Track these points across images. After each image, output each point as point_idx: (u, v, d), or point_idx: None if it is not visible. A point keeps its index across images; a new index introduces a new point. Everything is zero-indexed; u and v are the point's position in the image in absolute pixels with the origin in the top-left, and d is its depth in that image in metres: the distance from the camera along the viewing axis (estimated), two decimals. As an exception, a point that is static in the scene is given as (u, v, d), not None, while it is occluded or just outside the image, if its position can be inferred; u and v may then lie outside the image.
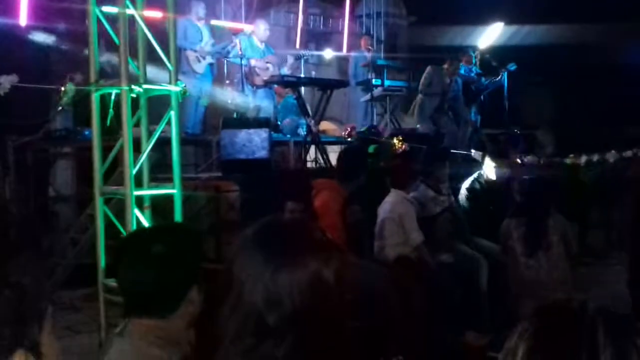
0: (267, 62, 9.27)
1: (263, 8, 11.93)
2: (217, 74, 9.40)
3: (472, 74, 10.59)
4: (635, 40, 10.12)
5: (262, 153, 7.03)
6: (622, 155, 7.89)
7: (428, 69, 9.70)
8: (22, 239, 1.33)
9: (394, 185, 5.66)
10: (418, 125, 9.65)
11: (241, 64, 8.75)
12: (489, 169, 6.57)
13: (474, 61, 10.67)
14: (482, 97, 10.54)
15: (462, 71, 10.37)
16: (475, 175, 6.64)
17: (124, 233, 4.73)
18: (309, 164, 8.54)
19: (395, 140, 7.81)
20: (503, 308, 5.45)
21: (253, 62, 9.10)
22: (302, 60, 10.18)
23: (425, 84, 9.65)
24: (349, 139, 8.86)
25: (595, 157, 7.94)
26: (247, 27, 9.90)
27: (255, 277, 1.44)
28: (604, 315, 1.09)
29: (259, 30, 9.41)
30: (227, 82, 9.23)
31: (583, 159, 7.94)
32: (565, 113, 11.37)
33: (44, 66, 8.39)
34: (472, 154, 7.45)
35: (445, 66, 9.69)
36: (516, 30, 11.33)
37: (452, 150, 7.39)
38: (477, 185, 6.58)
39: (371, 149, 8.11)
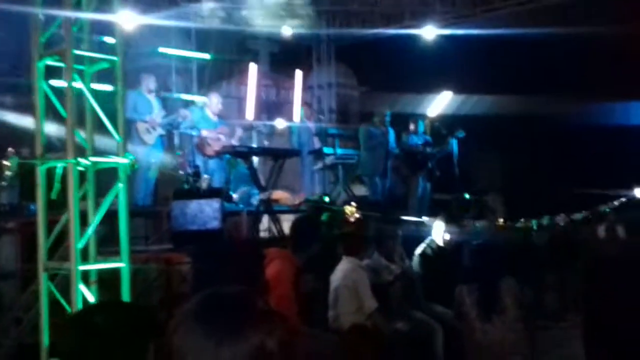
0: (218, 133, 9.29)
1: (215, 80, 12.04)
2: (168, 145, 9.37)
3: (419, 142, 10.78)
4: (576, 108, 10.51)
5: (214, 223, 6.95)
6: (571, 218, 8.05)
7: (361, 127, 10.43)
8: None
9: (347, 253, 5.65)
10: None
11: (192, 135, 8.75)
12: (439, 235, 6.62)
13: (421, 129, 10.87)
14: (429, 164, 10.70)
15: (409, 140, 10.60)
16: (427, 240, 6.67)
17: (69, 310, 4.60)
18: (262, 234, 8.48)
19: (347, 208, 7.83)
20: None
21: (205, 133, 9.11)
22: (254, 131, 10.22)
23: (365, 139, 10.15)
24: (302, 208, 8.86)
25: (546, 221, 8.07)
26: (199, 99, 9.95)
27: (197, 352, 1.41)
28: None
29: (211, 103, 9.47)
30: (179, 153, 9.18)
31: (533, 222, 8.06)
32: (514, 178, 11.61)
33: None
34: (425, 220, 7.50)
35: (375, 119, 10.33)
36: (465, 99, 11.63)
37: (404, 217, 7.45)
38: (429, 251, 6.61)
39: (324, 217, 8.11)
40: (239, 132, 9.58)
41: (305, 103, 12.31)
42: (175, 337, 1.45)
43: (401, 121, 10.97)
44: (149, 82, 9.11)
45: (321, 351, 4.87)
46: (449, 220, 6.74)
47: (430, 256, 6.58)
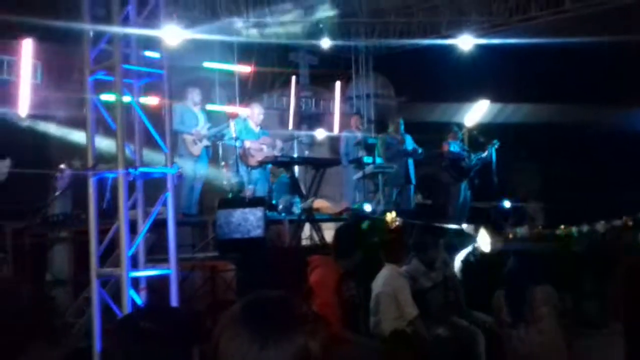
0: (261, 144, 9.47)
1: (257, 92, 12.26)
2: (213, 156, 9.58)
3: (461, 152, 10.84)
4: (614, 115, 10.45)
5: (258, 232, 7.08)
6: (611, 225, 8.00)
7: (378, 138, 10.89)
8: (34, 326, 1.35)
9: (387, 260, 5.72)
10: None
11: (235, 146, 8.93)
12: (484, 242, 6.64)
13: (460, 137, 10.94)
14: (471, 173, 10.76)
15: (451, 148, 10.66)
16: (470, 248, 6.71)
17: (120, 315, 4.74)
18: (303, 242, 8.61)
19: (388, 216, 7.91)
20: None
21: (248, 144, 9.28)
22: (295, 141, 10.38)
23: (383, 149, 10.53)
24: (343, 216, 8.96)
25: (585, 228, 8.04)
26: (242, 111, 10.16)
27: (242, 355, 1.43)
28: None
29: (253, 114, 9.65)
30: (223, 163, 9.39)
31: (573, 229, 8.04)
32: (553, 185, 11.54)
33: (42, 152, 8.56)
34: (464, 228, 7.53)
35: (390, 129, 10.76)
36: (502, 108, 11.62)
37: (444, 225, 7.48)
38: (472, 258, 6.63)
39: (365, 225, 8.20)
40: (279, 143, 9.74)
41: (357, 113, 12.46)
42: (220, 341, 1.49)
43: (437, 130, 11.06)
44: (194, 95, 9.33)
45: (362, 357, 4.95)
46: (495, 228, 6.74)
47: (472, 263, 6.60)
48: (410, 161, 10.73)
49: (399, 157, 10.55)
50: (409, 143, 10.79)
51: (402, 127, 10.83)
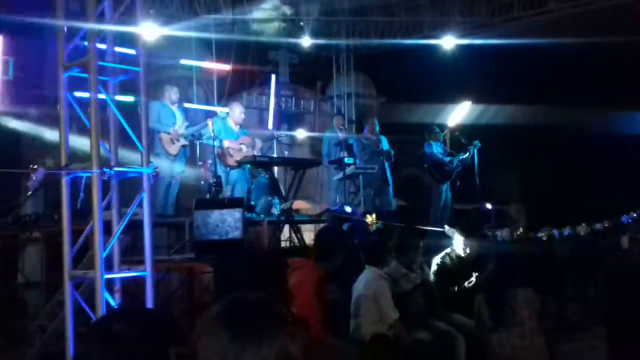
0: (240, 144, 9.34)
1: (235, 91, 12.13)
2: (190, 156, 9.44)
3: (443, 153, 10.81)
4: (596, 118, 10.49)
5: (236, 233, 7.00)
6: (592, 228, 7.99)
7: (353, 140, 10.88)
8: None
9: (368, 262, 5.66)
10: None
11: (213, 145, 8.80)
12: (459, 245, 6.60)
13: (441, 138, 10.91)
14: (454, 175, 10.74)
15: (432, 150, 10.63)
16: (447, 250, 6.66)
17: (94, 318, 4.64)
18: (282, 244, 8.51)
19: (368, 218, 7.84)
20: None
21: (226, 144, 9.16)
22: (275, 141, 10.27)
23: (358, 151, 10.61)
24: (322, 218, 8.87)
25: (567, 231, 8.02)
26: (221, 110, 10.02)
27: (221, 357, 1.43)
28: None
29: (234, 113, 9.52)
30: (200, 163, 9.25)
31: (555, 232, 8.02)
32: (535, 188, 11.55)
33: (14, 151, 8.38)
34: (446, 230, 7.47)
35: (365, 129, 10.94)
36: (484, 109, 11.61)
37: (425, 228, 7.44)
38: (448, 260, 6.59)
39: (345, 227, 8.12)
40: (259, 143, 9.62)
41: (339, 113, 12.40)
42: (199, 343, 1.48)
43: (421, 130, 11.02)
44: (172, 93, 9.21)
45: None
46: (469, 230, 6.70)
47: (447, 265, 6.56)
48: (387, 162, 10.69)
49: (376, 158, 10.50)
50: (385, 144, 10.75)
51: (377, 128, 10.80)
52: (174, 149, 8.98)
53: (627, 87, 10.64)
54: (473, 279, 6.25)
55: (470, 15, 12.15)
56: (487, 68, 11.36)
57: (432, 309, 6.04)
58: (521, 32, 11.11)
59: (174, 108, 9.23)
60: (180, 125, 9.09)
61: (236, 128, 9.49)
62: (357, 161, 10.36)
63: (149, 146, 5.33)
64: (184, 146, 9.12)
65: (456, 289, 6.36)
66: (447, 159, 10.70)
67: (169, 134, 8.93)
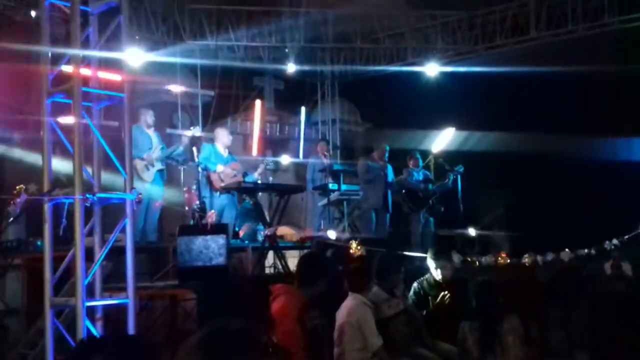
0: (232, 169, 9.32)
1: (220, 116, 12.15)
2: (173, 180, 9.36)
3: (420, 179, 10.87)
4: (579, 144, 10.59)
5: (220, 260, 6.93)
6: (576, 254, 8.03)
7: (360, 161, 10.93)
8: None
9: (352, 289, 5.63)
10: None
11: (198, 170, 8.76)
12: (433, 271, 6.61)
13: (421, 164, 10.98)
14: (430, 201, 10.78)
15: (408, 176, 10.72)
16: (426, 275, 6.67)
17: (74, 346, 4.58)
18: (267, 270, 8.47)
19: (352, 244, 7.83)
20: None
21: (220, 168, 9.14)
22: (265, 167, 10.23)
23: (362, 172, 10.57)
24: (307, 244, 8.85)
25: (550, 257, 8.05)
26: (204, 135, 9.97)
27: None
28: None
29: (222, 137, 9.49)
30: (185, 189, 9.18)
31: (538, 258, 8.04)
32: (518, 214, 11.61)
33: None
34: (428, 256, 7.47)
35: (374, 153, 10.78)
36: (468, 135, 11.69)
37: (407, 253, 7.44)
38: (425, 284, 6.59)
39: (329, 253, 8.10)
40: (260, 168, 9.60)
41: (323, 139, 12.42)
42: None
43: (403, 157, 11.09)
44: (147, 117, 9.04)
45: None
46: (439, 255, 6.71)
47: (420, 293, 6.56)
48: (389, 190, 10.72)
49: (379, 181, 10.53)
50: (390, 173, 10.77)
51: (387, 154, 10.83)
52: (148, 176, 8.78)
53: (608, 113, 10.78)
54: (444, 298, 6.24)
55: (453, 43, 12.30)
56: (471, 95, 11.48)
57: (415, 335, 6.01)
58: (503, 60, 11.27)
59: (150, 132, 9.09)
60: (155, 148, 8.97)
61: (225, 153, 9.46)
62: (343, 187, 10.34)
63: (132, 172, 5.30)
64: (160, 171, 8.97)
65: (427, 310, 6.35)
66: (422, 186, 10.76)
67: (143, 159, 8.83)
